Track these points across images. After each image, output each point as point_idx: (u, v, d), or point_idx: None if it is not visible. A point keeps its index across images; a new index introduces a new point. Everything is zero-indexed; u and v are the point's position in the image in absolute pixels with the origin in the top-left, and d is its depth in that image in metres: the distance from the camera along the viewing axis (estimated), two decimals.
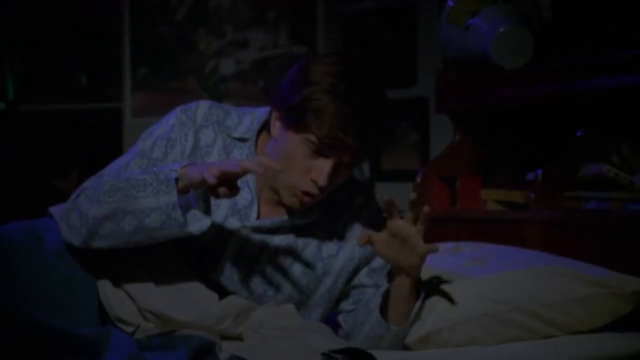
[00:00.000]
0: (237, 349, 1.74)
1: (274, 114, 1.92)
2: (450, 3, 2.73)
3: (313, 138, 1.83)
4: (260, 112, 2.00)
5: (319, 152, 1.85)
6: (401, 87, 4.03)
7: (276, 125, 1.91)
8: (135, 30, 4.61)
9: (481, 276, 2.08)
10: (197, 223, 1.81)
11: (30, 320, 1.67)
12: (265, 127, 1.98)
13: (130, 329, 1.84)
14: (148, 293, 1.89)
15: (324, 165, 1.86)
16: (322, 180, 1.85)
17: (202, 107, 2.00)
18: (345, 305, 2.00)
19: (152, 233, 1.80)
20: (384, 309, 1.91)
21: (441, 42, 2.82)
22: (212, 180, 1.75)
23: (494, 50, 2.59)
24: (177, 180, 1.77)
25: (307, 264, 1.97)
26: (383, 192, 3.81)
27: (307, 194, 1.86)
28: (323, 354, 1.68)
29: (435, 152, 3.73)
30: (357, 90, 1.86)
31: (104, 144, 4.51)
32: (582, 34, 2.62)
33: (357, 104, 1.85)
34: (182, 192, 1.77)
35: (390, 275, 1.93)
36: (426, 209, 1.85)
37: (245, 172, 1.78)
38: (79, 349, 1.67)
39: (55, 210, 2.01)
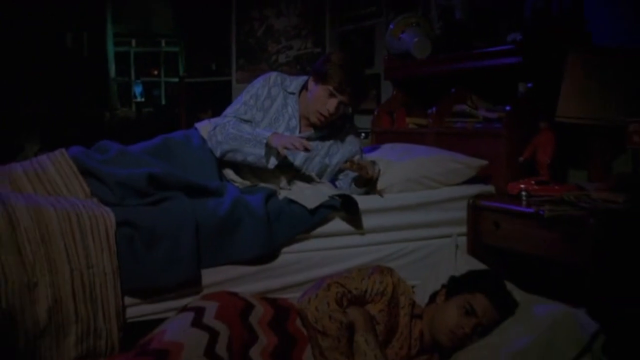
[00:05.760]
0: (284, 194, 2.19)
1: (311, 78, 2.29)
2: (391, 26, 3.27)
3: (330, 87, 2.19)
4: (301, 80, 2.39)
5: (331, 95, 2.20)
6: (367, 68, 4.21)
7: (311, 84, 2.28)
8: (238, 40, 5.07)
9: (405, 161, 2.45)
10: (272, 161, 2.16)
11: (183, 178, 2.01)
12: (304, 87, 2.37)
13: (237, 185, 2.22)
14: (244, 173, 2.32)
15: (332, 101, 2.21)
16: (332, 109, 2.21)
17: (274, 76, 2.38)
18: (337, 178, 2.44)
19: (250, 164, 2.16)
20: (354, 183, 2.36)
21: (386, 45, 3.35)
22: (292, 147, 2.07)
23: (412, 49, 3.13)
24: (266, 142, 2.12)
25: (321, 159, 2.33)
26: (358, 119, 4.08)
27: (322, 115, 2.24)
28: (330, 196, 2.11)
29: (383, 99, 4.03)
30: (353, 66, 2.22)
31: (223, 96, 4.98)
32: (459, 38, 3.00)
33: (352, 72, 2.21)
34: (268, 146, 2.13)
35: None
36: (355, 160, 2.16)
37: (298, 147, 2.07)
38: (210, 193, 2.07)
39: (199, 124, 2.41)
